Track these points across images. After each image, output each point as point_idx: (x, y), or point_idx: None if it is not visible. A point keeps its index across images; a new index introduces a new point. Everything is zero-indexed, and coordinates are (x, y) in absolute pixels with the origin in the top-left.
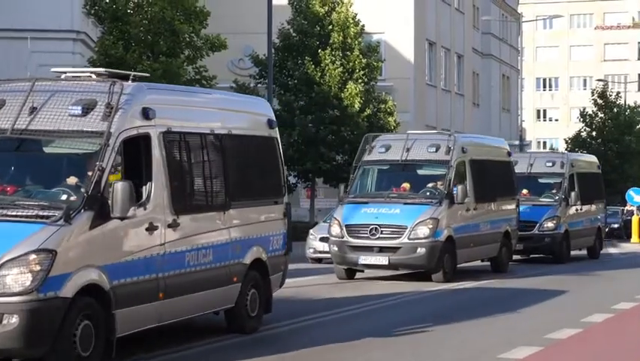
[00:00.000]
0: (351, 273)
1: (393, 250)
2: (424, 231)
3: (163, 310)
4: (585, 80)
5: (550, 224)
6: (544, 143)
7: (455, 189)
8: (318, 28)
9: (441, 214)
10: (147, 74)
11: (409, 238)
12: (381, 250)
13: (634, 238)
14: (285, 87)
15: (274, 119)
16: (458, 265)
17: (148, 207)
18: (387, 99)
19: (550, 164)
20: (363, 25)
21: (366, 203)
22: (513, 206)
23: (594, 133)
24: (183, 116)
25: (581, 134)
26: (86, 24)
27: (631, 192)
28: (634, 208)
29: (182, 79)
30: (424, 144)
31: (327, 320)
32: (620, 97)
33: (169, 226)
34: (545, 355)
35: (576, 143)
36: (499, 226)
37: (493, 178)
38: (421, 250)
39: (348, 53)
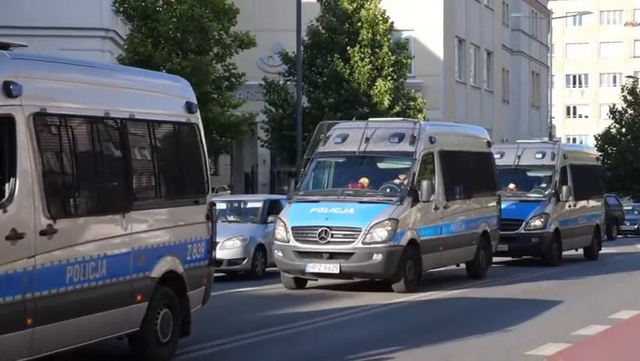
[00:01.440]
0: (300, 282)
1: (345, 256)
2: (381, 234)
3: (34, 341)
4: (615, 77)
5: (537, 222)
6: (574, 139)
7: (421, 185)
8: (347, 26)
9: (402, 214)
10: (25, 44)
11: (363, 243)
12: (332, 256)
13: None
14: (314, 85)
15: (194, 101)
16: (429, 271)
17: (9, 210)
18: (417, 96)
19: (540, 155)
20: (392, 22)
21: (316, 202)
22: (493, 203)
23: (624, 130)
24: (66, 94)
25: (611, 130)
26: (115, 22)
27: None
28: None
29: (211, 76)
30: (385, 134)
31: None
32: None
33: (42, 233)
34: None
35: (606, 139)
36: (476, 225)
37: (469, 172)
38: (378, 256)
39: (377, 50)
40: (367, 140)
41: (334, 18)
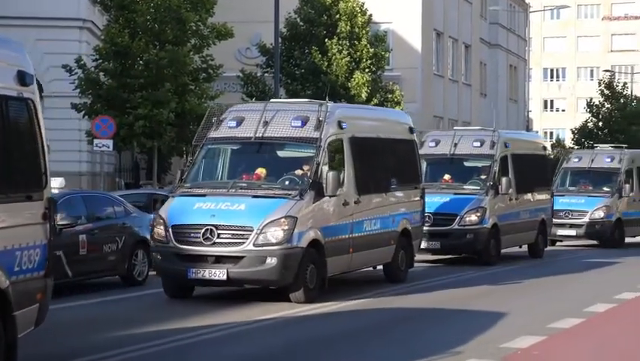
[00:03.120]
0: (184, 289)
1: (234, 260)
2: (275, 234)
3: None
4: (592, 71)
5: (473, 217)
6: (551, 133)
7: (327, 177)
8: (325, 18)
9: (302, 211)
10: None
11: (255, 245)
12: (219, 260)
13: None
14: (292, 77)
15: (30, 71)
16: (335, 276)
17: None
18: (395, 89)
19: (478, 144)
20: (370, 15)
21: (202, 196)
22: (416, 197)
23: (601, 124)
24: None
25: (588, 124)
26: (93, 12)
27: None
28: None
29: (189, 67)
30: (287, 117)
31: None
32: (627, 88)
33: None
34: None
35: (583, 133)
36: (394, 223)
37: (387, 162)
38: (272, 261)
39: (355, 42)
40: (266, 124)
41: (312, 10)
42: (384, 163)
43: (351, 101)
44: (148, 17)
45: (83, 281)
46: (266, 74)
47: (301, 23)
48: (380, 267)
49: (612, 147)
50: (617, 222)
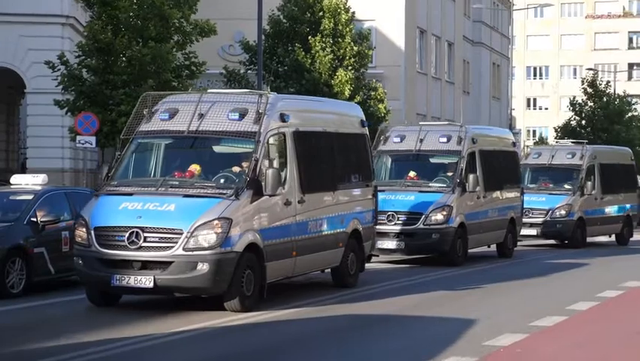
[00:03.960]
0: (109, 297)
1: (162, 265)
2: (208, 237)
3: None
4: (575, 69)
5: (439, 216)
6: (534, 131)
7: (266, 174)
8: (309, 15)
9: (238, 212)
10: None
11: (185, 249)
12: (145, 265)
13: None
14: (275, 74)
15: None
16: (279, 281)
17: None
18: (378, 87)
19: (445, 139)
20: (353, 12)
21: (129, 195)
22: (368, 195)
23: (584, 122)
24: None
25: (571, 123)
26: (75, 9)
27: None
28: None
29: (172, 64)
30: (224, 109)
31: None
32: (610, 86)
33: None
34: None
35: (566, 131)
36: (342, 223)
37: (334, 158)
38: (203, 267)
39: (338, 39)
40: (201, 116)
41: (296, 7)
42: (332, 159)
43: (334, 98)
44: (131, 14)
45: (65, 278)
46: (249, 72)
47: (284, 20)
48: (329, 270)
49: (572, 142)
50: (579, 221)
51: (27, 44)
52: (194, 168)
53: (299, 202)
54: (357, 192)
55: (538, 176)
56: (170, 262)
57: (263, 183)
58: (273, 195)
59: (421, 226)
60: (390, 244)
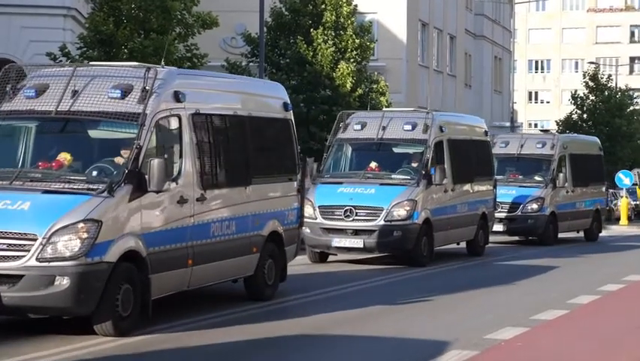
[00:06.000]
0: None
1: (10, 280)
2: (69, 245)
3: None
4: (577, 63)
5: (401, 211)
6: (536, 124)
7: (150, 165)
8: (311, 7)
9: (111, 212)
10: None
11: (39, 259)
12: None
13: (622, 220)
14: (276, 66)
15: None
16: (171, 295)
17: None
18: (380, 79)
19: (410, 127)
20: (355, 5)
21: None
22: (291, 191)
23: (585, 115)
24: None
25: (572, 116)
26: (77, 0)
27: (620, 175)
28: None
29: (174, 56)
30: (103, 85)
31: None
32: (612, 80)
33: None
34: None
35: (567, 125)
36: (257, 225)
37: (247, 146)
38: (63, 281)
39: (340, 32)
40: (75, 94)
41: (297, 0)
42: (244, 148)
43: (335, 90)
44: (133, 5)
45: None
46: (251, 64)
47: (286, 13)
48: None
49: (542, 131)
50: (551, 215)
51: (29, 36)
52: (64, 157)
53: (198, 200)
54: (277, 187)
55: (506, 166)
56: (20, 276)
57: (147, 177)
58: (159, 192)
59: (382, 223)
60: (348, 242)
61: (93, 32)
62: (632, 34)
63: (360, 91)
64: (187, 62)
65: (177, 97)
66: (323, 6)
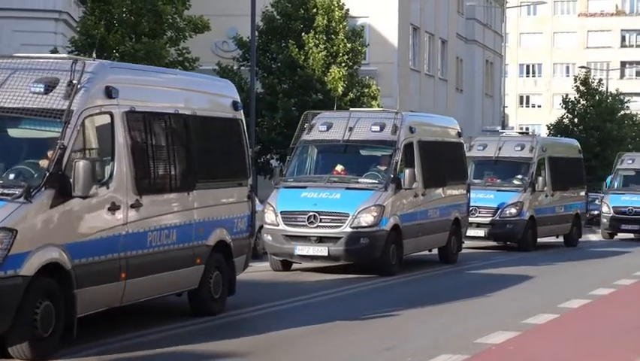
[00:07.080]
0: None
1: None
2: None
3: None
4: (568, 67)
5: (368, 217)
6: (527, 129)
7: (74, 168)
8: (302, 12)
9: (26, 220)
10: None
11: None
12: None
13: None
14: (268, 70)
15: None
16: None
17: None
18: (371, 83)
19: (378, 128)
20: (347, 9)
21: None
22: (241, 198)
23: (576, 120)
24: None
25: (563, 120)
26: (68, 4)
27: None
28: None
29: (165, 60)
30: (24, 79)
31: None
32: (603, 84)
33: None
34: None
35: (558, 129)
36: (201, 233)
37: (190, 148)
38: None
39: (332, 36)
40: None
41: (289, 4)
42: (186, 150)
43: (327, 94)
44: (124, 9)
45: None
46: (242, 68)
47: (278, 17)
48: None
49: (519, 133)
50: (530, 220)
51: (20, 39)
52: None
53: (132, 206)
54: (225, 193)
55: (484, 170)
56: None
57: (72, 181)
58: (87, 197)
59: (348, 229)
60: (312, 249)
61: (84, 36)
62: (623, 38)
63: (351, 95)
64: (179, 65)
65: (109, 93)
66: (315, 10)
